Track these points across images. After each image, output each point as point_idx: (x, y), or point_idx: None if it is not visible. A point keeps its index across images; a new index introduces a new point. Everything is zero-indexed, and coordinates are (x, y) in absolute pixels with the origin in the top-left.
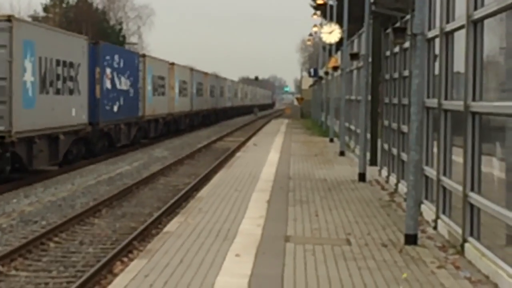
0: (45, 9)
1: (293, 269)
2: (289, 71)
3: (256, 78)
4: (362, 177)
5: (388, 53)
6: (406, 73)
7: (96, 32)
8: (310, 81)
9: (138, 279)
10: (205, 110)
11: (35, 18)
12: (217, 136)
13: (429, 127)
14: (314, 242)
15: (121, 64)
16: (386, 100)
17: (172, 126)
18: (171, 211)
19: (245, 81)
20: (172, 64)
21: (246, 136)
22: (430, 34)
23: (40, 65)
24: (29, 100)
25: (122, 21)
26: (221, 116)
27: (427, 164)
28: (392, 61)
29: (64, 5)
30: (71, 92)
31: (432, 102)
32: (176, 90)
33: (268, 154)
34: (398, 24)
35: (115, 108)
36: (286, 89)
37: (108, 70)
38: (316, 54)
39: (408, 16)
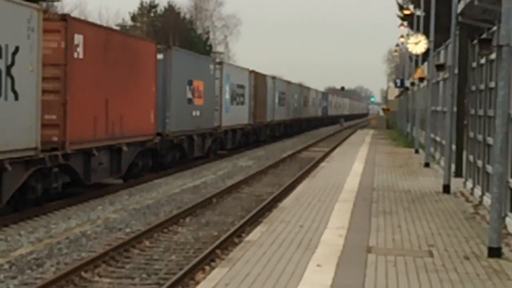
0: (133, 18)
1: (374, 280)
2: (375, 81)
3: (342, 88)
4: (446, 188)
5: (474, 64)
6: (492, 84)
7: (182, 41)
8: (396, 91)
9: (219, 287)
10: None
11: (123, 27)
12: (302, 145)
13: None
14: (396, 253)
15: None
16: (472, 112)
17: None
18: (254, 220)
19: (331, 91)
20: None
21: (331, 146)
22: None
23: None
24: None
25: (209, 31)
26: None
27: None
28: (478, 72)
29: (151, 14)
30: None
31: None
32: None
33: (353, 164)
34: (484, 35)
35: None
36: (372, 99)
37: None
38: (402, 65)
39: (494, 27)
